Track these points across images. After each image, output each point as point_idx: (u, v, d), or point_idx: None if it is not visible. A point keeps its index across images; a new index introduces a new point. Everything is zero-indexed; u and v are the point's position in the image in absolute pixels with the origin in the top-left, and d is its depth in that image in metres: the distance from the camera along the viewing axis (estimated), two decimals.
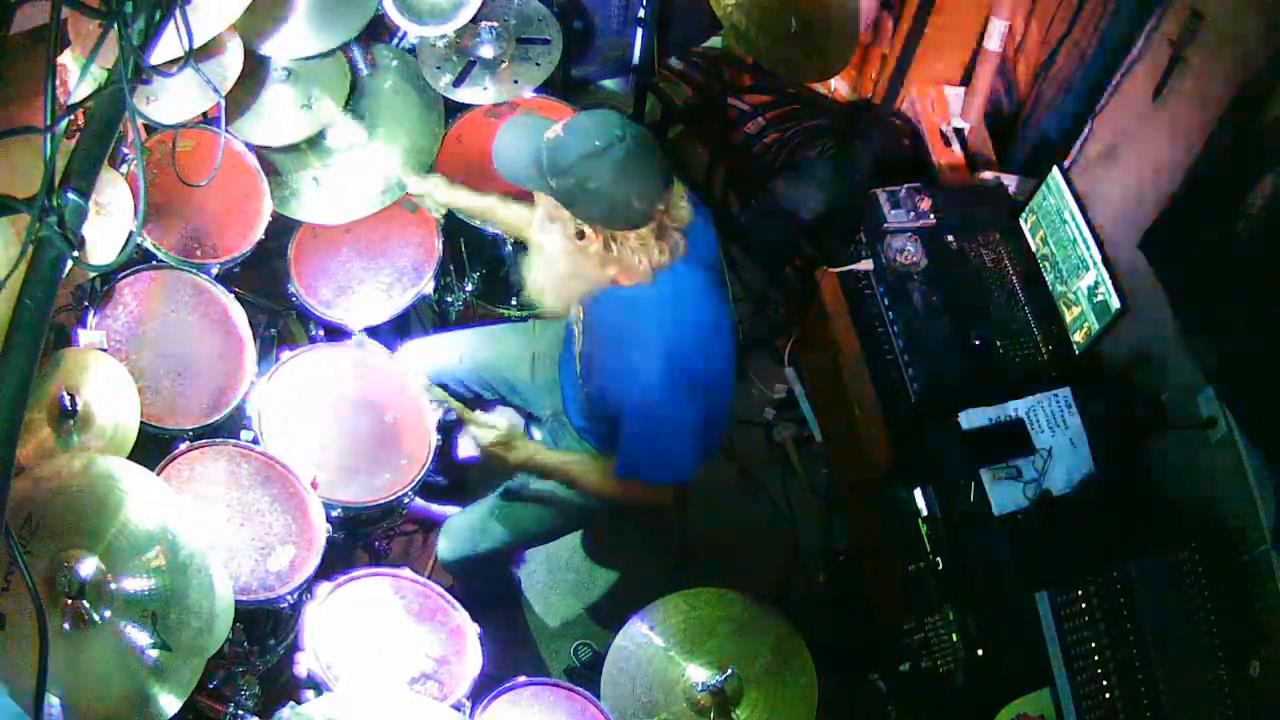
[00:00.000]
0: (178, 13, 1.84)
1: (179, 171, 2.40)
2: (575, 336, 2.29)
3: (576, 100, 3.19)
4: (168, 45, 1.87)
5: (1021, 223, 2.87)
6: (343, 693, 2.07)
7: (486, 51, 2.82)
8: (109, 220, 2.21)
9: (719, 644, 2.31)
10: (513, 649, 2.92)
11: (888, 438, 2.74)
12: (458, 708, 2.15)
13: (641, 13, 3.41)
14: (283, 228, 2.66)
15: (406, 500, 2.46)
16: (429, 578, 2.34)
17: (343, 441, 2.45)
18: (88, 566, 1.77)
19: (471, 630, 2.26)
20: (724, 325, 2.16)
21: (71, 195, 1.51)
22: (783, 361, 3.37)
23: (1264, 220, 2.10)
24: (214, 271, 2.50)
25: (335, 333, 2.68)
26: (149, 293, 2.40)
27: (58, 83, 1.61)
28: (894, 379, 2.77)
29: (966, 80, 3.34)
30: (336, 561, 2.41)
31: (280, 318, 2.91)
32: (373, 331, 2.67)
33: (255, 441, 2.33)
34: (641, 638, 2.31)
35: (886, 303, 2.82)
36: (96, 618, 1.76)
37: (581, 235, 1.98)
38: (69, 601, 1.73)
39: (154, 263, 2.43)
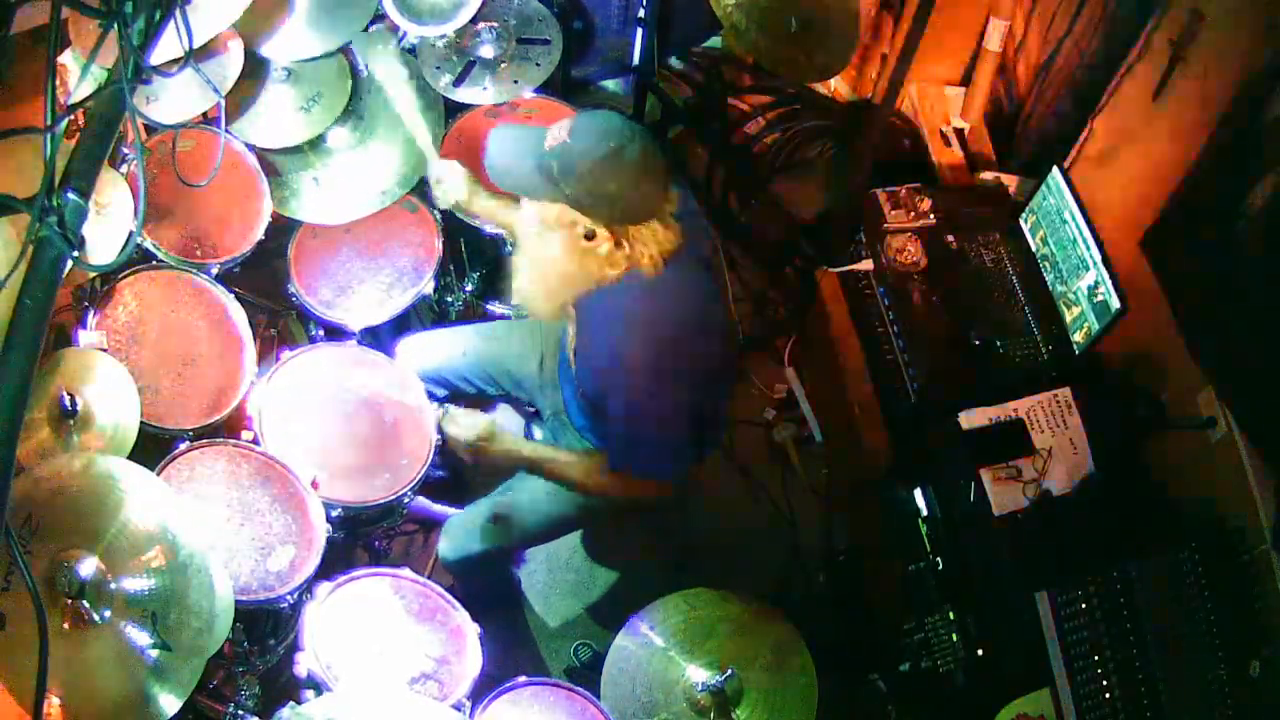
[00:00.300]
0: (178, 13, 1.83)
1: (179, 171, 2.40)
2: (569, 335, 2.29)
3: (576, 100, 3.19)
4: (168, 45, 1.87)
5: (1021, 223, 2.86)
6: (343, 693, 2.06)
7: (486, 52, 2.82)
8: (109, 220, 2.20)
9: (719, 644, 2.30)
10: (513, 649, 2.92)
11: (888, 438, 2.74)
12: (458, 708, 2.15)
13: (641, 13, 3.40)
14: (283, 228, 2.65)
15: (407, 500, 2.46)
16: (429, 578, 2.34)
17: (343, 441, 2.45)
18: (88, 566, 1.76)
19: (472, 630, 2.26)
20: (718, 319, 2.16)
21: (71, 195, 1.50)
22: (783, 361, 3.37)
23: (1264, 220, 2.10)
24: (214, 271, 2.50)
25: (335, 333, 2.68)
26: (149, 293, 2.40)
27: (58, 83, 1.61)
28: (894, 379, 2.77)
29: (966, 80, 3.34)
30: (336, 561, 2.40)
31: (280, 318, 2.91)
32: (373, 331, 2.67)
33: (255, 441, 2.33)
34: (641, 638, 2.31)
35: (886, 303, 2.82)
36: (96, 618, 1.75)
37: (590, 236, 1.98)
38: (69, 601, 1.72)
39: (154, 263, 2.42)
